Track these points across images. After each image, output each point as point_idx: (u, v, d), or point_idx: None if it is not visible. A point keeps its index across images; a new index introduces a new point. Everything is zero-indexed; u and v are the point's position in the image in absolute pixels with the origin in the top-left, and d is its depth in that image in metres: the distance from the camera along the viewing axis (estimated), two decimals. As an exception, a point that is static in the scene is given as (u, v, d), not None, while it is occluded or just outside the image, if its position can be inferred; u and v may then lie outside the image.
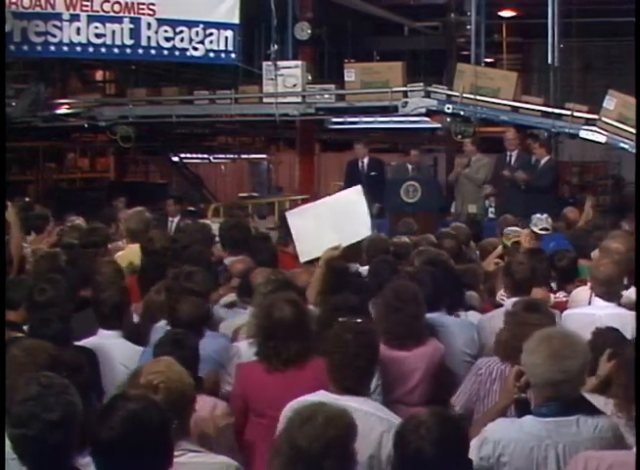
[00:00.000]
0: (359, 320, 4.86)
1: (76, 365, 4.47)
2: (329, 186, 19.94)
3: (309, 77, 14.70)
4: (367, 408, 4.40)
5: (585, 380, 4.22)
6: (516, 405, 4.29)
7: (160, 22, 14.47)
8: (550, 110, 13.46)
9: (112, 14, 14.49)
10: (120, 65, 17.41)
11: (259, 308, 5.36)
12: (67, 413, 3.38)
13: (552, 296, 7.14)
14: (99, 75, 20.77)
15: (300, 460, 3.37)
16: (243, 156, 24.52)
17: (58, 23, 14.51)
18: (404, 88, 14.08)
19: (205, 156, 24.23)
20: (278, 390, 4.79)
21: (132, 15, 14.49)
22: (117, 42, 14.58)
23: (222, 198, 20.19)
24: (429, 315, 5.96)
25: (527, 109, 13.55)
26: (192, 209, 15.62)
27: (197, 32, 14.46)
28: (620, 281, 6.33)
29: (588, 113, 13.28)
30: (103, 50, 14.70)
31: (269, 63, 14.43)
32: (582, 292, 6.78)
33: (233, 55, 14.54)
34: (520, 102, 13.61)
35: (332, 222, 6.62)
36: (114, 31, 14.52)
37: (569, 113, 13.29)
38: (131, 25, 14.50)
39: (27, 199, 14.65)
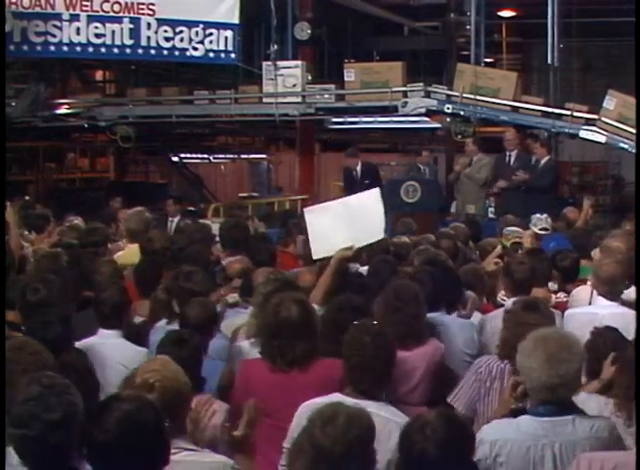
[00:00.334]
0: (375, 323, 4.87)
1: (85, 368, 4.48)
2: (329, 186, 19.97)
3: (309, 77, 14.71)
4: (385, 414, 4.39)
5: (581, 382, 4.23)
6: (513, 415, 4.28)
7: (160, 22, 14.48)
8: (550, 110, 13.47)
9: (111, 14, 14.50)
10: (120, 65, 17.41)
11: (263, 307, 5.35)
12: (68, 413, 3.37)
13: (553, 296, 7.13)
14: (99, 75, 20.78)
15: (323, 460, 3.37)
16: (243, 156, 24.53)
17: (58, 24, 14.51)
18: (404, 88, 14.09)
19: (205, 156, 24.23)
20: (282, 391, 4.77)
21: (132, 15, 14.50)
22: (117, 42, 14.59)
23: (222, 198, 20.18)
24: (428, 315, 5.96)
25: (527, 109, 13.56)
26: (192, 209, 15.62)
27: (197, 32, 14.47)
28: (623, 280, 6.35)
29: (588, 113, 13.29)
30: (103, 50, 14.71)
31: (269, 63, 14.43)
32: (582, 291, 6.79)
33: (233, 55, 14.54)
34: (520, 102, 13.61)
35: (348, 223, 6.60)
36: (113, 31, 14.53)
37: (568, 113, 13.30)
38: (131, 25, 14.50)
39: (28, 198, 14.66)
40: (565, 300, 7.07)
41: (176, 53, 14.69)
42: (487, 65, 16.10)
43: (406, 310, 5.40)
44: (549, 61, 14.57)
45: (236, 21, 14.39)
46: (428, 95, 14.01)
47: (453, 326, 6.07)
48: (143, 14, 14.48)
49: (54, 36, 14.55)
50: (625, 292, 6.37)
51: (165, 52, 14.68)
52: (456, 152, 14.99)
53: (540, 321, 4.93)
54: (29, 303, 5.84)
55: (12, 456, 3.45)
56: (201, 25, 14.45)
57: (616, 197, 19.11)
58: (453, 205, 13.97)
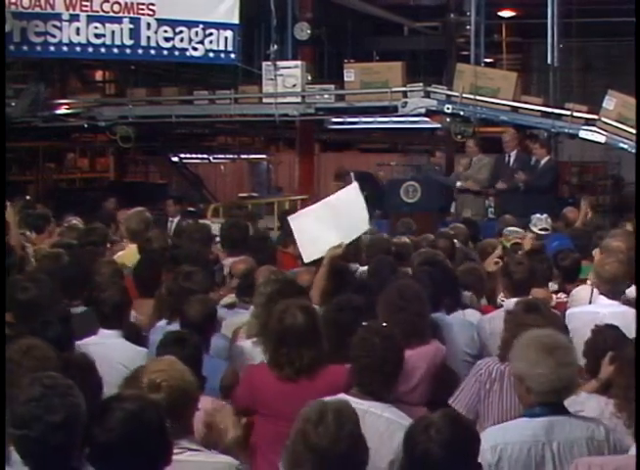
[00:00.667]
0: (384, 324, 4.86)
1: (88, 366, 4.49)
2: (328, 186, 19.91)
3: (309, 77, 14.70)
4: (389, 415, 4.40)
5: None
6: None
7: (160, 22, 14.47)
8: (550, 110, 13.46)
9: (111, 14, 14.49)
10: (120, 65, 17.41)
11: (266, 310, 5.36)
12: (70, 415, 3.35)
13: (554, 296, 7.13)
14: (98, 76, 20.79)
15: (323, 461, 3.37)
16: (242, 156, 24.53)
17: (57, 24, 14.51)
18: (404, 88, 14.08)
19: (205, 156, 24.23)
20: (289, 399, 4.70)
21: (132, 15, 14.49)
22: (117, 42, 14.58)
23: (222, 198, 20.19)
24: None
25: (527, 109, 13.55)
26: (192, 209, 15.63)
27: (196, 32, 14.46)
28: (625, 280, 6.36)
29: (588, 113, 13.28)
30: (102, 50, 14.70)
31: (269, 63, 14.43)
32: (582, 291, 6.79)
33: (233, 55, 14.54)
34: (519, 102, 13.60)
35: (332, 222, 6.69)
36: (113, 31, 14.52)
37: (568, 113, 13.29)
38: (131, 26, 14.49)
39: (28, 197, 14.66)
40: (565, 300, 7.07)
41: (176, 53, 14.69)
42: (487, 65, 16.10)
43: (410, 309, 5.40)
44: (549, 61, 14.57)
45: (236, 21, 14.39)
46: (427, 95, 14.01)
47: (454, 326, 6.07)
48: (143, 14, 14.47)
49: (54, 36, 14.55)
50: (627, 291, 6.39)
51: (165, 52, 14.67)
52: (456, 152, 14.98)
53: (541, 322, 4.93)
54: (19, 302, 5.84)
55: (13, 455, 3.44)
56: (200, 26, 14.45)
57: (615, 197, 19.12)
58: (453, 205, 13.96)
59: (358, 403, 4.27)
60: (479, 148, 13.77)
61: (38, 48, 14.63)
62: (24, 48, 14.58)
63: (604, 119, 12.96)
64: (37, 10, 14.47)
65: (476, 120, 13.72)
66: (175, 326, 5.71)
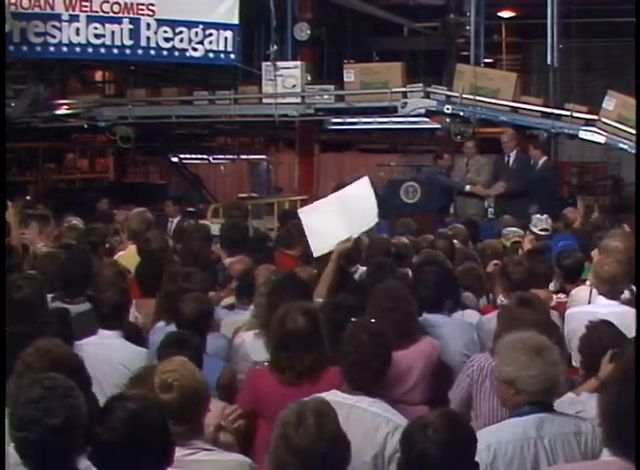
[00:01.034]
0: (373, 320, 4.88)
1: (77, 366, 4.48)
2: (328, 186, 19.94)
3: (309, 78, 14.70)
4: (375, 409, 4.44)
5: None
6: None
7: (160, 22, 14.46)
8: (549, 110, 13.45)
9: (111, 14, 14.49)
10: (120, 65, 17.42)
11: (267, 312, 5.36)
12: (69, 417, 3.35)
13: (554, 296, 7.13)
14: (98, 76, 20.78)
15: (306, 462, 3.37)
16: (242, 156, 24.50)
17: (57, 24, 14.50)
18: (404, 89, 14.08)
19: (205, 156, 24.20)
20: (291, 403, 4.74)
21: (131, 15, 14.48)
22: (117, 43, 14.57)
23: (222, 198, 20.17)
24: (431, 316, 5.96)
25: (527, 109, 13.54)
26: (191, 209, 15.62)
27: (196, 33, 14.46)
28: (624, 280, 6.36)
29: (588, 113, 13.27)
30: (102, 50, 14.70)
31: (268, 63, 14.43)
32: (581, 291, 6.79)
33: (232, 55, 14.53)
34: (519, 102, 13.60)
35: (342, 215, 6.69)
36: (113, 32, 14.51)
37: (568, 113, 13.29)
38: (131, 26, 14.49)
39: (28, 197, 14.66)
40: (565, 300, 7.06)
41: (176, 53, 14.68)
42: (487, 65, 16.09)
43: (399, 309, 5.42)
44: (549, 61, 14.56)
45: (235, 21, 14.38)
46: (427, 95, 14.01)
47: (454, 327, 6.07)
48: (142, 14, 14.47)
49: (53, 37, 14.54)
50: (625, 291, 6.39)
51: (165, 52, 14.67)
52: (455, 153, 14.96)
53: (534, 316, 4.96)
54: (12, 300, 5.83)
55: (12, 456, 3.44)
56: (200, 26, 14.44)
57: (615, 197, 19.11)
58: (452, 205, 13.95)
59: (347, 399, 4.38)
60: (476, 149, 13.76)
61: (38, 48, 14.63)
62: (24, 48, 14.57)
63: (604, 120, 12.96)
64: (37, 10, 14.46)
65: (475, 121, 13.71)
66: (173, 326, 5.71)
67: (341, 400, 4.40)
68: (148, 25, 14.48)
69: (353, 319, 4.91)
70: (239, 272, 7.15)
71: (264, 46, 15.20)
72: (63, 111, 15.61)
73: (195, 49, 14.55)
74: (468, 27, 15.72)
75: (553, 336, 4.79)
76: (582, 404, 4.63)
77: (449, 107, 13.81)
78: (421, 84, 14.23)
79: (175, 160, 22.26)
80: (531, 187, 12.75)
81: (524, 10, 20.72)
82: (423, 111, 14.16)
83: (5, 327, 5.48)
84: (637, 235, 7.54)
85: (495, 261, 8.14)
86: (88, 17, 14.50)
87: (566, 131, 13.55)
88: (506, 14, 21.25)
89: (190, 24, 14.46)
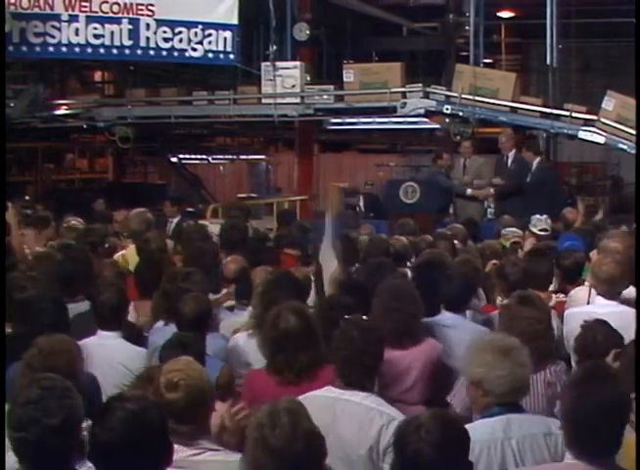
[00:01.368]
0: (365, 317, 4.89)
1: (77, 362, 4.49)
2: (327, 187, 19.96)
3: (308, 78, 14.71)
4: (369, 403, 4.47)
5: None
6: None
7: (159, 22, 14.47)
8: (549, 110, 13.46)
9: (110, 14, 14.49)
10: (119, 65, 17.43)
11: (260, 311, 5.37)
12: (67, 417, 3.36)
13: (554, 296, 7.12)
14: (98, 76, 20.78)
15: (283, 462, 3.36)
16: (241, 156, 24.51)
17: (56, 24, 14.51)
18: (403, 89, 14.09)
19: (204, 156, 24.21)
20: None
21: (131, 15, 14.49)
22: (116, 43, 14.58)
23: (221, 199, 20.17)
24: (449, 315, 5.94)
25: (526, 109, 13.55)
26: (191, 209, 15.62)
27: (195, 33, 14.46)
28: (622, 280, 6.36)
29: (587, 113, 13.28)
30: (101, 51, 14.71)
31: (268, 63, 14.43)
32: (580, 292, 6.78)
33: (232, 56, 14.54)
34: (518, 103, 13.60)
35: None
36: (112, 32, 14.52)
37: (567, 113, 13.30)
38: (130, 26, 14.50)
39: (27, 198, 14.67)
40: (564, 300, 7.05)
41: (175, 54, 14.69)
42: (486, 65, 16.11)
43: (404, 309, 5.42)
44: (548, 61, 14.57)
45: (235, 21, 14.39)
46: (426, 96, 14.01)
47: (465, 332, 5.98)
48: (142, 14, 14.47)
49: (53, 37, 14.55)
50: (624, 291, 6.38)
51: (164, 53, 14.67)
52: (455, 153, 14.97)
53: (535, 314, 4.96)
54: (16, 301, 5.83)
55: (10, 457, 3.44)
56: (200, 26, 14.45)
57: (614, 197, 19.12)
58: (451, 205, 13.95)
59: (340, 394, 4.45)
60: (473, 148, 13.75)
61: (37, 49, 14.64)
62: (24, 49, 14.59)
63: (603, 120, 12.97)
64: (36, 10, 14.48)
65: (475, 121, 13.72)
66: (173, 327, 5.71)
67: (336, 396, 4.47)
68: (147, 26, 14.48)
69: (346, 317, 4.93)
70: (233, 271, 7.15)
71: (264, 46, 15.21)
72: (62, 111, 15.61)
73: (194, 49, 14.55)
74: (467, 28, 15.74)
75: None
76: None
77: (448, 107, 13.82)
78: (420, 84, 14.24)
79: (174, 160, 22.26)
80: (529, 188, 12.73)
81: (523, 10, 20.73)
82: (422, 111, 14.16)
83: (5, 327, 5.50)
84: (637, 235, 7.54)
85: (494, 261, 8.13)
86: (87, 17, 14.51)
87: (565, 131, 13.56)
88: (505, 14, 21.27)
89: (189, 25, 14.47)
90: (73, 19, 14.51)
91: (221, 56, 14.59)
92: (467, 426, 4.13)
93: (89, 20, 14.51)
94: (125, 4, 14.47)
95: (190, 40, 14.50)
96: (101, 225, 9.58)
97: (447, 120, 14.28)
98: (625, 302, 6.26)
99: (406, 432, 3.44)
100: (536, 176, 12.92)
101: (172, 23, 14.48)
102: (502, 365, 4.08)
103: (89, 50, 14.70)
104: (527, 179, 12.87)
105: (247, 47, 15.36)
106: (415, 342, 5.45)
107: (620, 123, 12.81)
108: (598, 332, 4.99)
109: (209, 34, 14.45)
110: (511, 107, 13.57)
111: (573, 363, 5.51)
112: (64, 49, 14.68)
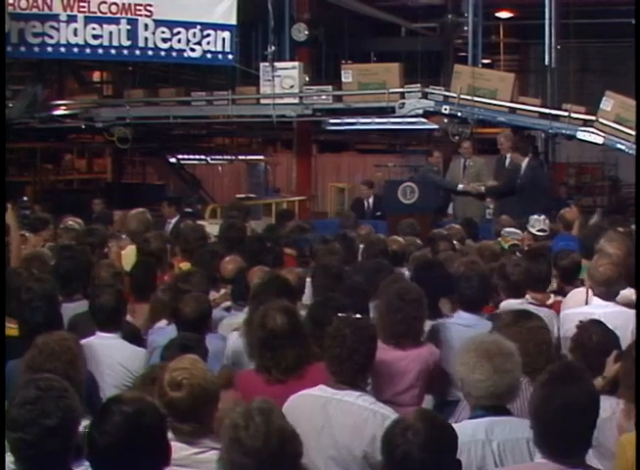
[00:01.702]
0: (358, 316, 4.90)
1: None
2: (326, 187, 19.98)
3: (306, 78, 14.71)
4: (362, 402, 4.48)
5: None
6: None
7: (158, 23, 14.46)
8: (547, 111, 13.47)
9: (109, 15, 14.49)
10: (118, 66, 17.44)
11: (250, 318, 5.39)
12: (65, 418, 3.35)
13: (552, 296, 7.12)
14: (96, 76, 20.79)
15: (259, 459, 3.35)
16: (240, 157, 24.50)
17: (55, 25, 14.50)
18: (401, 89, 14.09)
19: (203, 157, 24.20)
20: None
21: (129, 16, 14.49)
22: (115, 43, 14.57)
23: (219, 199, 20.17)
24: (465, 315, 5.92)
25: (524, 110, 13.56)
26: (189, 210, 15.61)
27: (194, 33, 14.46)
28: (619, 282, 6.35)
29: (585, 114, 13.29)
30: (100, 51, 14.70)
31: (266, 64, 14.43)
32: (578, 293, 6.77)
33: (230, 56, 14.54)
34: (517, 103, 13.61)
35: None
36: (111, 32, 14.52)
37: (566, 114, 13.30)
38: (128, 27, 14.49)
39: (26, 198, 14.67)
40: (562, 299, 7.05)
41: (174, 54, 14.69)
42: (485, 66, 16.11)
43: (406, 311, 5.42)
44: (546, 62, 14.56)
45: (233, 22, 14.38)
46: (425, 96, 14.02)
47: (483, 328, 5.95)
48: (140, 15, 14.47)
49: (51, 37, 14.54)
50: (621, 292, 6.38)
51: (163, 53, 14.67)
52: (453, 153, 14.97)
53: (534, 327, 4.92)
54: (21, 301, 5.83)
55: (6, 458, 3.44)
56: (198, 27, 14.44)
57: (613, 198, 19.16)
58: (450, 206, 13.95)
59: (333, 393, 4.45)
60: (473, 149, 13.75)
61: (36, 49, 14.63)
62: (22, 49, 14.58)
63: (601, 121, 12.97)
64: (35, 11, 14.47)
65: (473, 121, 13.72)
66: (173, 326, 5.72)
67: (329, 395, 4.48)
68: (145, 26, 14.48)
69: (339, 315, 4.93)
70: (230, 272, 7.15)
71: (262, 47, 15.21)
72: (60, 111, 15.62)
73: (192, 50, 14.55)
74: (465, 28, 15.76)
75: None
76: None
77: (447, 107, 13.82)
78: (418, 85, 14.25)
79: (173, 160, 22.22)
80: (520, 188, 12.70)
81: (521, 11, 20.75)
82: (420, 111, 14.17)
83: (5, 327, 5.50)
84: (637, 235, 7.53)
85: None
86: (86, 17, 14.50)
87: (563, 132, 13.56)
88: (504, 14, 21.29)
89: (188, 25, 14.46)
90: (72, 19, 14.50)
91: (220, 56, 14.58)
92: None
93: (87, 20, 14.50)
94: (124, 4, 14.46)
95: (188, 41, 14.50)
96: (101, 226, 9.56)
97: (446, 121, 14.28)
98: (622, 303, 6.26)
99: (393, 435, 3.42)
100: (526, 176, 12.88)
101: (171, 24, 14.48)
102: (481, 370, 4.03)
103: (87, 50, 14.70)
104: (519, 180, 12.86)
105: (245, 47, 15.37)
106: (414, 344, 5.44)
107: (619, 124, 12.82)
108: (594, 332, 4.98)
109: (208, 35, 14.44)
110: (509, 107, 13.57)
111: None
112: (62, 49, 14.67)
